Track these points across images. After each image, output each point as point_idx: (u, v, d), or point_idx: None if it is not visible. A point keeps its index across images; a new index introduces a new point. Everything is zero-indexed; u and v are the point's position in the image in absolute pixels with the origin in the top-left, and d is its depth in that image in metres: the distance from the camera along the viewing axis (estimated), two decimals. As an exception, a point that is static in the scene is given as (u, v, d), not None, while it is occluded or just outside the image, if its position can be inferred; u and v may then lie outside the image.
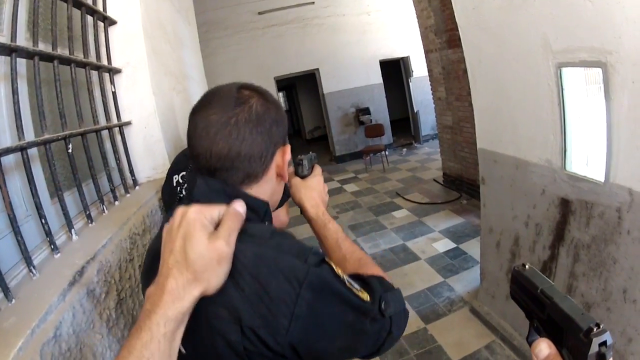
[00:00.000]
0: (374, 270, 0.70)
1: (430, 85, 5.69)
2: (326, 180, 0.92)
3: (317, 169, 0.95)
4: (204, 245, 0.49)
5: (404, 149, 8.87)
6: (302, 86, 12.27)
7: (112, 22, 1.48)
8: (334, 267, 0.58)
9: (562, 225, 1.94)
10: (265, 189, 0.67)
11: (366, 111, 8.66)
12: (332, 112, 8.71)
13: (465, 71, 4.55)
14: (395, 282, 0.67)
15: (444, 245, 4.13)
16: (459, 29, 2.47)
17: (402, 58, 8.91)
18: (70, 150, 1.05)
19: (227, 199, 0.58)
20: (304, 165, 0.92)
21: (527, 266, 0.46)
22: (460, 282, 3.41)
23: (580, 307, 0.38)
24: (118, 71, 1.50)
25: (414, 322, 3.00)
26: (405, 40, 8.54)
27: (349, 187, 6.99)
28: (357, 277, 0.63)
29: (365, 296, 0.58)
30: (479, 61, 2.45)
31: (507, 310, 2.61)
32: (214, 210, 0.53)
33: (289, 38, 8.22)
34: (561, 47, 1.69)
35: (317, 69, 8.50)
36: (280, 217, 1.17)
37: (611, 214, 1.57)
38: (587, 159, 1.82)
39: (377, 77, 8.85)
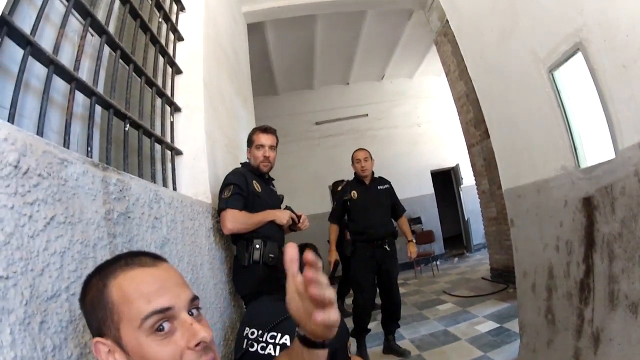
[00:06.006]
0: None
1: (475, 179, 5.75)
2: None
3: None
4: None
5: (456, 258, 8.39)
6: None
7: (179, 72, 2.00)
8: None
9: (590, 228, 1.80)
10: None
11: (417, 220, 8.56)
12: (383, 224, 8.62)
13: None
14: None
15: (487, 326, 3.62)
16: (471, 76, 2.79)
17: (452, 168, 9.00)
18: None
19: None
20: None
21: None
22: (502, 354, 2.89)
23: None
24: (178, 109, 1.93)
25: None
26: (455, 149, 8.53)
27: (396, 291, 6.57)
28: None
29: None
30: (492, 103, 2.68)
31: (550, 361, 2.13)
32: None
33: (344, 148, 8.39)
34: (546, 51, 1.90)
35: (370, 179, 8.88)
36: None
37: (631, 183, 1.48)
38: (595, 145, 1.79)
39: (428, 188, 8.86)
